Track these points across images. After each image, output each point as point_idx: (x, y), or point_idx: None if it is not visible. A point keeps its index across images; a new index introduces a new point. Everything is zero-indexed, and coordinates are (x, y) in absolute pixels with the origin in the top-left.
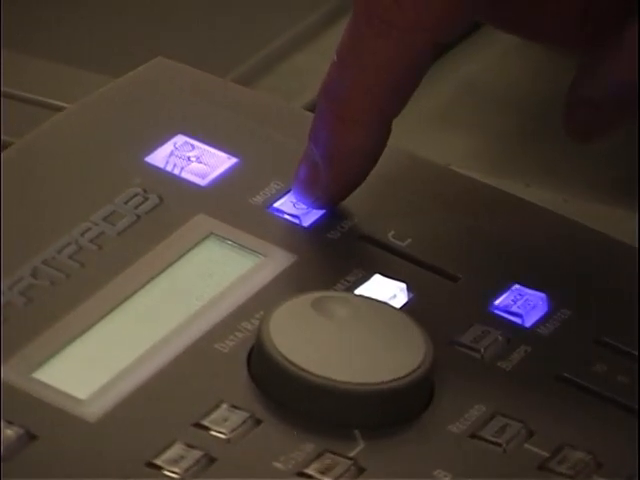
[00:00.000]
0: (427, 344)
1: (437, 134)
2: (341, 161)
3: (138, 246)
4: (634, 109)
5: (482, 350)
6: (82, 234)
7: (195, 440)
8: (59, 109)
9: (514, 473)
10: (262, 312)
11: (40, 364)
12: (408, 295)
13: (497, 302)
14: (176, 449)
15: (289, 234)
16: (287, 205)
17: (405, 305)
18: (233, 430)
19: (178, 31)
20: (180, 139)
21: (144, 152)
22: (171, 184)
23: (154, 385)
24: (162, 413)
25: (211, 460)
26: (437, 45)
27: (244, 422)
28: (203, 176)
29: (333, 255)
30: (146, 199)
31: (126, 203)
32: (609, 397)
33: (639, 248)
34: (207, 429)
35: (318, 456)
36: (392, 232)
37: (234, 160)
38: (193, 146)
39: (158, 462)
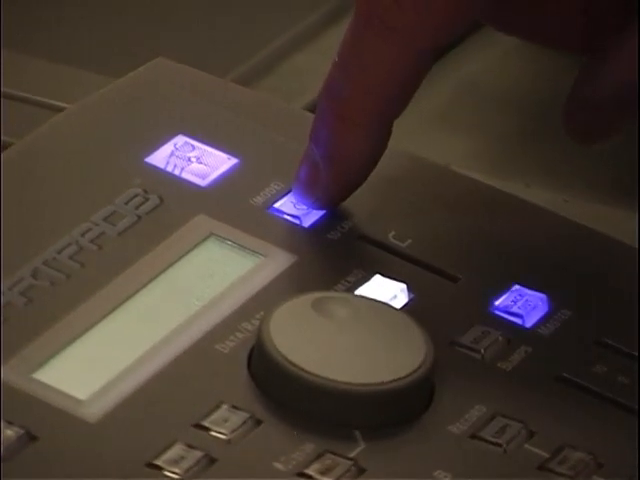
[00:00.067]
0: (427, 345)
1: (437, 134)
2: (341, 162)
3: (138, 246)
4: (634, 109)
5: (482, 351)
6: (82, 234)
7: (195, 441)
8: (59, 109)
9: (514, 473)
10: (262, 312)
11: (40, 364)
12: (408, 295)
13: (497, 303)
14: (176, 450)
15: (289, 234)
16: (287, 206)
17: (405, 305)
18: (233, 431)
19: (178, 31)
20: (180, 139)
21: (144, 152)
22: (171, 184)
23: (154, 386)
24: (162, 413)
25: (211, 461)
26: (438, 47)
27: (244, 422)
28: (203, 176)
29: (333, 255)
30: (146, 199)
31: (126, 203)
32: (609, 398)
33: (639, 249)
34: (207, 429)
35: (318, 457)
36: (392, 232)
37: (234, 160)
38: (193, 146)
39: (158, 463)
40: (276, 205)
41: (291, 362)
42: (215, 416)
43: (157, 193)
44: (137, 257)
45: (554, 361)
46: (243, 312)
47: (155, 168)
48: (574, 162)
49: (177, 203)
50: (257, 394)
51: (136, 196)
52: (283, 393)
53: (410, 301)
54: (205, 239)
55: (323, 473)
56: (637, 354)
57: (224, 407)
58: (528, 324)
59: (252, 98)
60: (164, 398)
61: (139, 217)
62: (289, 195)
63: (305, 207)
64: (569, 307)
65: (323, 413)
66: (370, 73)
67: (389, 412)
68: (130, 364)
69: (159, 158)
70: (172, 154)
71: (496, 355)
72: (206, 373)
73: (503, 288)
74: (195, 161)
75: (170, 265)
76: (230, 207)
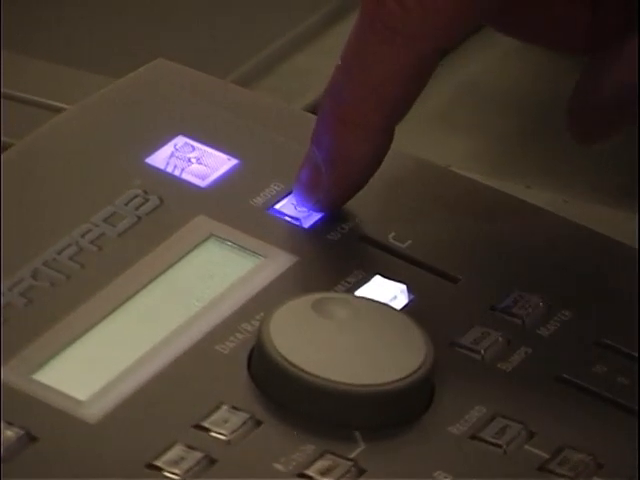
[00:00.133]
0: (427, 345)
1: (437, 135)
2: (344, 165)
3: (138, 247)
4: (634, 111)
5: (482, 351)
6: (82, 235)
7: (195, 441)
8: (59, 110)
9: (514, 474)
10: (262, 313)
11: (40, 365)
12: (408, 296)
13: (497, 303)
14: (176, 450)
15: (289, 235)
16: (288, 207)
17: (405, 306)
18: (233, 431)
19: (178, 31)
20: (180, 140)
21: (144, 153)
22: (171, 185)
23: (154, 386)
24: (162, 414)
25: (211, 461)
26: (441, 50)
27: (244, 423)
28: (203, 177)
29: (333, 256)
30: (146, 200)
31: (126, 204)
32: (609, 398)
33: (639, 249)
34: (207, 430)
35: (318, 457)
36: (392, 233)
37: (234, 161)
38: (193, 147)
39: (158, 463)
40: (277, 207)
41: (291, 363)
42: (215, 417)
43: (157, 194)
44: (137, 258)
45: (554, 362)
46: (243, 313)
47: (155, 169)
48: (574, 163)
49: (177, 204)
50: (257, 395)
51: (136, 197)
52: (283, 394)
53: (410, 302)
54: (205, 240)
55: (323, 474)
56: (637, 355)
57: (224, 408)
58: (528, 325)
59: (252, 99)
60: (164, 399)
61: (139, 218)
62: (290, 197)
63: (306, 209)
64: (569, 308)
65: (323, 414)
66: (374, 77)
67: (389, 413)
68: (130, 365)
69: (159, 159)
70: (172, 155)
71: (496, 356)
72: (206, 374)
73: (503, 289)
74: (195, 162)
75: (170, 266)
76: (230, 208)
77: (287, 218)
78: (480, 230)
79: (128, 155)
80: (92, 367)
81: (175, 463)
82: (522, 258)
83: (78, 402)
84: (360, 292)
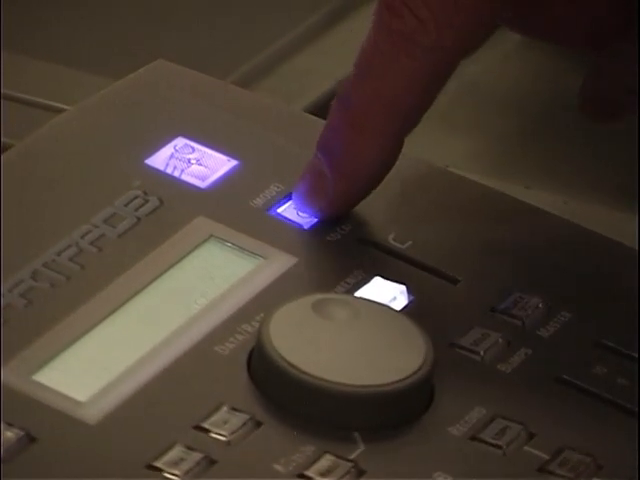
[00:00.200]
0: (427, 346)
1: (437, 135)
2: (350, 172)
3: (138, 248)
4: None
5: (482, 352)
6: (82, 236)
7: (195, 442)
8: (59, 111)
9: (514, 475)
10: (262, 314)
11: (40, 366)
12: (408, 297)
13: (497, 304)
14: (176, 451)
15: (289, 236)
16: (290, 212)
17: (405, 307)
18: (233, 432)
19: (178, 32)
20: (180, 141)
21: (144, 154)
22: (171, 186)
23: (154, 387)
24: (162, 415)
25: (211, 462)
26: (455, 61)
27: (244, 424)
28: (203, 178)
29: (333, 257)
30: (146, 201)
31: (126, 205)
32: (609, 399)
33: (639, 250)
34: (207, 431)
35: (318, 458)
36: (392, 234)
37: (234, 162)
38: (193, 148)
39: (158, 464)
40: (278, 210)
41: (291, 364)
42: (215, 418)
43: (157, 195)
44: (137, 259)
45: (554, 363)
46: (243, 314)
47: (155, 170)
48: (574, 163)
49: (177, 205)
50: (257, 396)
51: (136, 198)
52: (283, 395)
53: (410, 303)
54: (205, 241)
55: (323, 475)
56: (637, 356)
57: (224, 409)
58: (528, 326)
59: (252, 100)
60: (164, 400)
61: (139, 219)
62: (292, 202)
63: (307, 215)
64: (569, 309)
65: (323, 415)
66: (389, 87)
67: (389, 414)
68: (130, 366)
69: (159, 160)
70: (172, 156)
71: (496, 357)
72: (206, 375)
73: (503, 290)
74: (195, 163)
75: (170, 267)
76: (230, 209)
77: (287, 219)
78: (480, 231)
79: (128, 156)
80: (92, 368)
81: (175, 464)
82: (522, 259)
83: (78, 403)
84: (360, 293)
